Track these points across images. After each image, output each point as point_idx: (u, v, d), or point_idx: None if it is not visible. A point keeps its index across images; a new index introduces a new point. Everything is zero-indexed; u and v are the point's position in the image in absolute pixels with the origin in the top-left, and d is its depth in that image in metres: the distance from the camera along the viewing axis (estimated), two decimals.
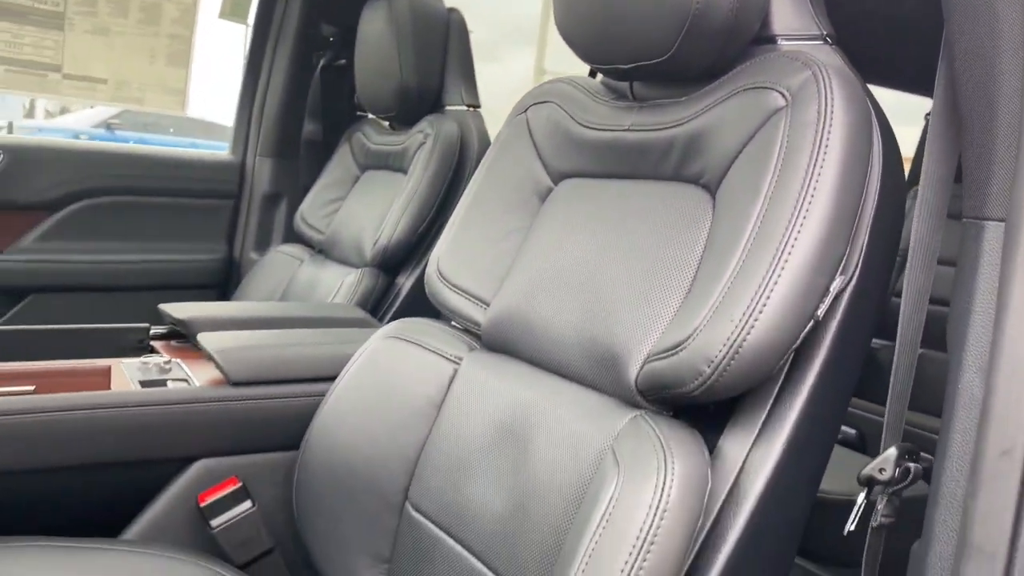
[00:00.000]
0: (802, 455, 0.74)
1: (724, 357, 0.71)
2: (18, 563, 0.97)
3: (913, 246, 0.74)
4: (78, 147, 2.14)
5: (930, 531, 0.65)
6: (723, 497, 0.72)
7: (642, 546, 0.65)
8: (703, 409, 0.80)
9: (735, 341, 0.71)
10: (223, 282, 2.25)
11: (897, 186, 0.81)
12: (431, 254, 1.18)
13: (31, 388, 1.16)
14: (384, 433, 1.08)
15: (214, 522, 1.12)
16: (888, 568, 0.78)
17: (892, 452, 0.71)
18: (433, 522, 1.00)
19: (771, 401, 0.74)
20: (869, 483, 0.72)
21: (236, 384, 1.17)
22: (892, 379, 0.73)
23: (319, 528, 1.11)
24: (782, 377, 0.75)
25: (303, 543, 1.13)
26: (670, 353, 0.77)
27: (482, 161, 1.19)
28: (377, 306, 1.74)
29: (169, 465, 1.14)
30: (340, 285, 1.74)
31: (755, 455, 0.73)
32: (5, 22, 1.99)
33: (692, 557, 0.70)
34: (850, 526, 0.74)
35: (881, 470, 0.71)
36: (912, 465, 0.72)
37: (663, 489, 0.67)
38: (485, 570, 0.91)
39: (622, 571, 0.65)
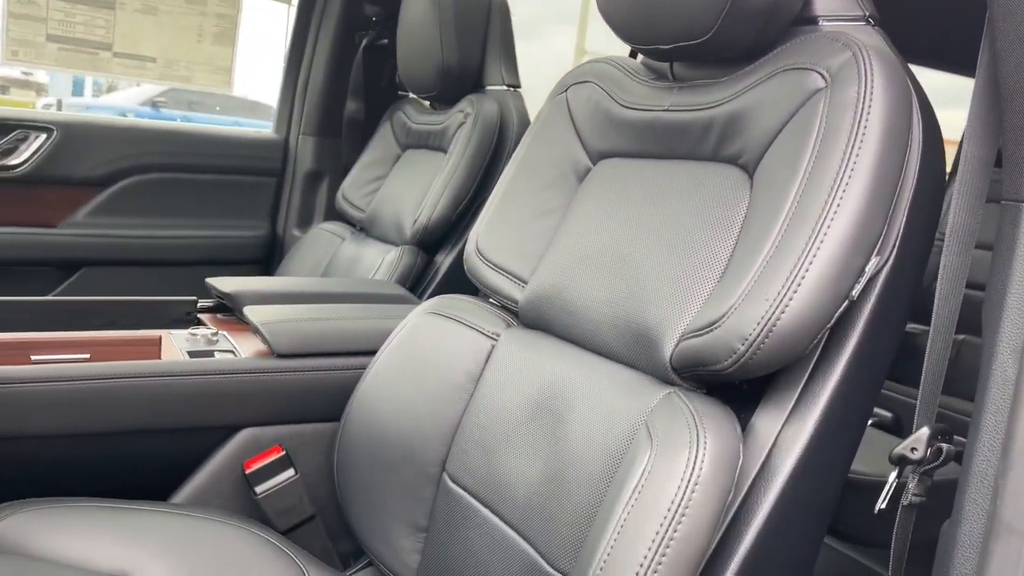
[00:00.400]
0: (834, 434, 0.75)
1: (758, 335, 0.72)
2: (74, 522, 1.02)
3: (951, 228, 0.74)
4: (128, 124, 2.20)
5: (960, 510, 0.65)
6: (754, 473, 0.73)
7: (673, 517, 0.67)
8: (736, 387, 0.81)
9: (769, 320, 0.72)
10: (266, 258, 2.30)
11: (936, 168, 0.81)
12: (470, 232, 1.20)
13: (86, 356, 1.21)
14: (423, 406, 1.11)
15: (258, 488, 1.16)
16: (918, 550, 0.79)
17: (924, 432, 0.72)
18: (469, 493, 1.03)
19: (804, 380, 0.75)
20: (900, 462, 0.73)
21: (280, 356, 1.20)
22: (926, 359, 0.74)
23: (359, 497, 1.15)
24: (816, 356, 0.76)
25: (343, 511, 1.17)
26: (705, 331, 0.78)
27: (522, 140, 1.21)
28: (416, 283, 1.77)
29: (216, 433, 1.18)
30: (381, 262, 1.77)
31: (787, 432, 0.74)
32: (59, 1, 2.04)
33: (722, 531, 0.71)
34: (880, 504, 0.75)
35: (913, 449, 0.72)
36: (944, 446, 0.72)
37: (695, 463, 0.69)
38: (519, 540, 0.93)
39: (652, 541, 0.67)
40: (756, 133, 0.87)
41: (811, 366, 0.75)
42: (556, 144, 1.15)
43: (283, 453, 1.18)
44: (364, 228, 2.01)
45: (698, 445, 0.69)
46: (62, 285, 2.04)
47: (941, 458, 0.72)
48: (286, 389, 1.20)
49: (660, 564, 0.66)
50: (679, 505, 0.67)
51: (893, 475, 0.75)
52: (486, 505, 1.00)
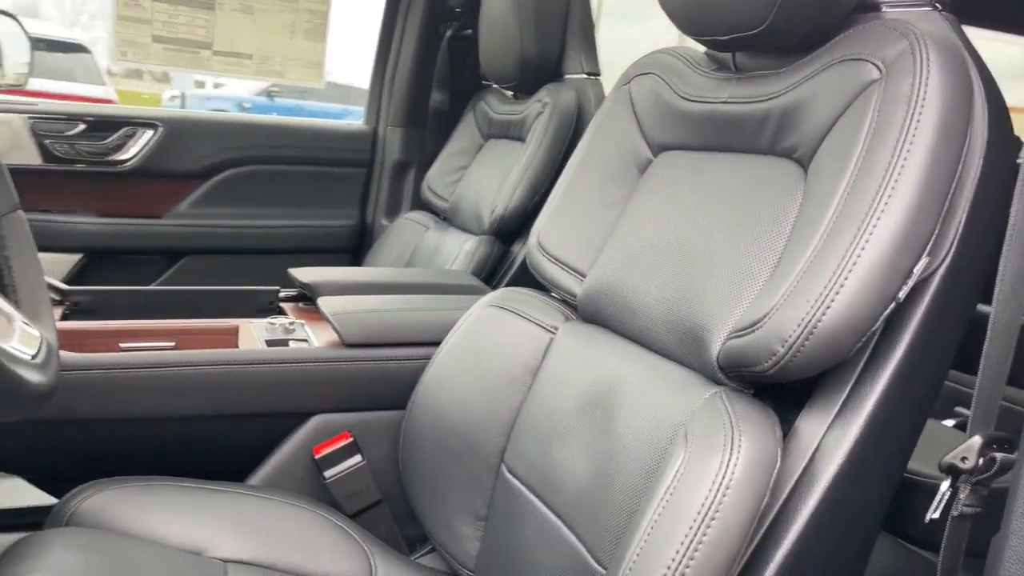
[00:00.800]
0: (881, 439, 0.72)
1: (798, 338, 0.70)
2: (154, 501, 1.09)
3: (1012, 225, 0.70)
4: (227, 120, 2.30)
5: (1007, 524, 0.62)
6: (796, 477, 0.71)
7: (703, 521, 0.66)
8: (785, 388, 0.79)
9: (810, 321, 0.70)
10: (356, 247, 2.37)
11: (1004, 161, 0.76)
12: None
13: (172, 344, 1.29)
14: (483, 397, 1.13)
15: (327, 473, 1.21)
16: (978, 560, 0.75)
17: (976, 440, 0.68)
18: (525, 485, 1.04)
19: (852, 383, 0.73)
20: (951, 471, 0.70)
21: (349, 345, 1.24)
22: (982, 365, 0.70)
23: (422, 485, 1.18)
24: (865, 359, 0.73)
25: (408, 497, 1.20)
26: (747, 331, 0.76)
27: (585, 132, 1.20)
28: (492, 273, 1.79)
29: (289, 419, 1.24)
30: (459, 252, 1.80)
31: (831, 436, 0.72)
32: (163, 3, 2.16)
33: (761, 535, 0.70)
34: (932, 514, 0.72)
35: (963, 459, 0.68)
36: (999, 455, 0.69)
37: (727, 466, 0.68)
38: (568, 532, 0.94)
39: (681, 543, 0.66)
40: (811, 126, 0.85)
41: (859, 369, 0.73)
42: (618, 136, 1.14)
43: (351, 440, 1.22)
44: (447, 217, 2.04)
45: (732, 448, 0.68)
46: (167, 272, 2.17)
47: (994, 468, 0.69)
48: (355, 377, 1.24)
49: (688, 568, 0.65)
50: (710, 508, 0.66)
51: (945, 484, 0.72)
52: (539, 497, 1.01)
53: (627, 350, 0.98)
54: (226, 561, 1.04)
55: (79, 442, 1.17)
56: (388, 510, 1.26)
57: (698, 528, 0.66)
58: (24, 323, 0.75)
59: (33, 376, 0.70)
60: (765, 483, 0.68)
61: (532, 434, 1.05)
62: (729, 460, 0.68)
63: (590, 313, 1.08)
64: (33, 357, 0.72)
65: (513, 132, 1.93)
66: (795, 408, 0.77)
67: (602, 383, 0.96)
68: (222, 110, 8.90)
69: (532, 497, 1.02)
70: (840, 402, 0.72)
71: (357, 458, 1.22)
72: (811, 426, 0.74)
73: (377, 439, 1.26)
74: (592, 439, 0.94)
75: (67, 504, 1.06)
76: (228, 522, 1.10)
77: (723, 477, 0.67)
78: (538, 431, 1.04)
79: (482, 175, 1.96)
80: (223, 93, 10.44)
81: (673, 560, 0.66)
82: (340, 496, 1.22)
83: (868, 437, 0.71)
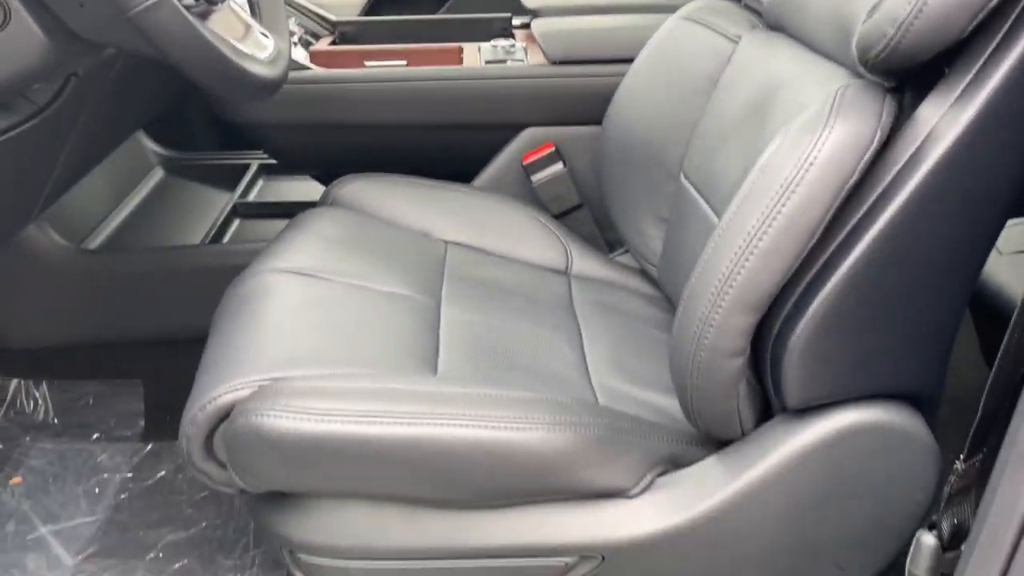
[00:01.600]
0: (998, 126, 0.70)
1: (907, 16, 0.70)
2: (395, 192, 1.33)
3: None
4: None
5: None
6: (903, 161, 0.73)
7: (783, 193, 0.73)
8: (925, 83, 0.79)
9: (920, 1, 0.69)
10: None
11: None
12: None
13: (403, 62, 1.48)
14: (669, 108, 1.20)
15: (534, 178, 1.38)
16: None
17: None
18: (695, 188, 1.13)
19: (976, 69, 0.71)
20: None
21: (554, 63, 1.36)
22: None
23: (616, 191, 1.31)
24: (992, 46, 0.70)
25: (606, 203, 1.34)
26: (869, 16, 0.76)
27: None
28: None
29: (504, 130, 1.40)
30: None
31: (945, 120, 0.71)
32: None
33: (861, 214, 0.75)
34: None
35: None
36: None
37: (815, 145, 0.72)
38: None
39: (763, 211, 0.74)
40: None
41: (985, 56, 0.71)
42: None
43: (553, 149, 1.37)
44: None
45: (824, 129, 0.72)
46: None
47: None
48: (559, 93, 1.36)
49: (766, 233, 0.73)
50: (791, 183, 0.72)
51: None
52: (704, 199, 1.10)
53: (796, 55, 1.00)
54: (447, 242, 1.28)
55: (340, 144, 1.44)
56: (589, 214, 1.42)
57: (779, 198, 0.73)
58: (261, 32, 0.95)
59: (260, 70, 0.91)
60: (852, 163, 0.72)
61: (705, 141, 1.12)
62: (818, 140, 0.72)
63: (773, 18, 1.08)
64: (264, 58, 0.93)
65: None
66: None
67: (764, 89, 1.00)
68: None
69: (700, 200, 1.11)
70: (961, 87, 0.71)
71: (559, 166, 1.38)
72: (929, 111, 0.74)
73: (579, 151, 1.39)
74: (748, 143, 0.99)
75: (331, 191, 1.33)
76: (451, 212, 1.32)
77: (809, 154, 0.72)
78: (708, 139, 1.11)
79: None
80: None
81: (753, 227, 0.74)
82: (546, 198, 1.39)
83: (982, 120, 0.69)
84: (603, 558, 0.85)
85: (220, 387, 0.87)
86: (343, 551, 0.85)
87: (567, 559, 0.85)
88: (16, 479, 1.41)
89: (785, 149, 0.75)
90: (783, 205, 0.73)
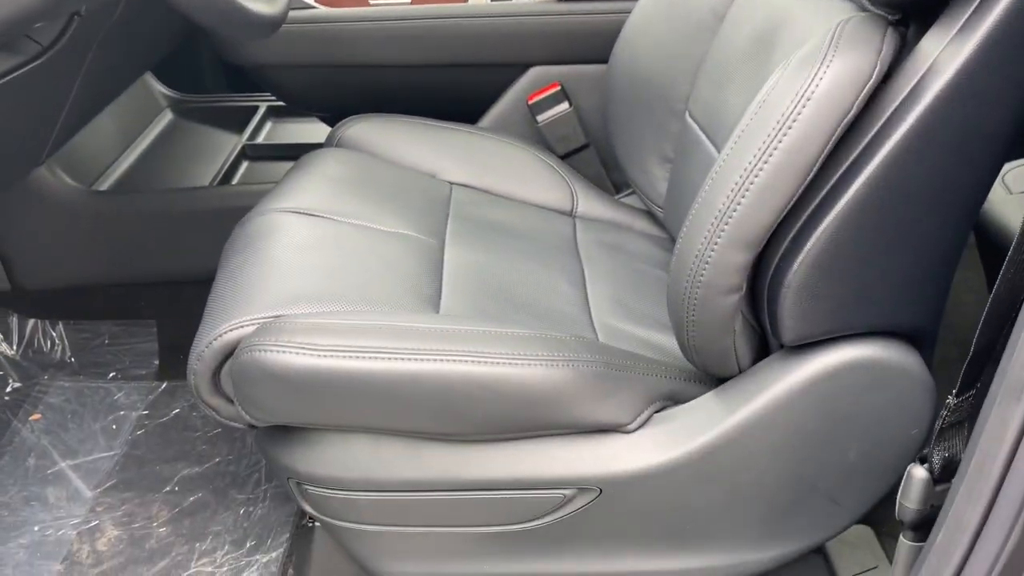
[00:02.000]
0: (999, 59, 0.69)
1: None
2: (400, 133, 1.33)
3: None
4: None
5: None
6: (904, 94, 0.72)
7: (780, 128, 0.72)
8: (928, 15, 0.77)
9: None
10: None
11: None
12: None
13: (407, 0, 1.46)
14: (675, 45, 1.18)
15: (539, 118, 1.37)
16: None
17: None
18: (699, 126, 1.12)
19: (977, 1, 0.70)
20: None
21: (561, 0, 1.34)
22: None
23: (622, 130, 1.30)
24: None
25: (612, 143, 1.34)
26: None
27: None
28: None
29: (510, 69, 1.39)
30: None
31: (946, 52, 0.70)
32: None
33: (862, 147, 0.74)
34: None
35: None
36: None
37: (812, 80, 0.72)
38: None
39: (760, 146, 0.74)
40: None
41: None
42: None
43: (559, 88, 1.36)
44: None
45: (822, 63, 0.72)
46: None
47: None
48: (565, 31, 1.34)
49: (762, 169, 0.73)
50: (787, 118, 0.72)
51: None
52: (708, 137, 1.09)
53: None
54: (452, 183, 1.28)
55: (345, 84, 1.44)
56: (595, 155, 1.41)
57: (775, 133, 0.72)
58: None
59: (260, 8, 0.91)
60: (851, 98, 0.71)
61: (710, 78, 1.11)
62: (815, 74, 0.72)
63: None
64: None
65: None
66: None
67: (769, 23, 0.98)
68: None
69: (704, 138, 1.10)
70: (963, 20, 0.70)
71: (565, 105, 1.36)
72: (930, 44, 0.72)
73: (586, 90, 1.38)
74: (752, 79, 0.98)
75: (336, 131, 1.34)
76: (457, 153, 1.32)
77: (806, 89, 0.71)
78: (714, 75, 1.10)
79: None
80: None
81: (749, 163, 0.74)
82: (551, 139, 1.38)
83: (983, 54, 0.68)
84: (600, 491, 0.87)
85: (225, 324, 0.89)
86: (347, 483, 0.88)
87: (565, 491, 0.87)
88: (35, 415, 1.45)
89: (783, 83, 0.75)
90: (779, 141, 0.73)
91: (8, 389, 1.50)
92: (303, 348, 0.82)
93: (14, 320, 1.55)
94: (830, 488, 0.90)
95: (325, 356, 0.81)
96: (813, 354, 0.83)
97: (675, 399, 0.91)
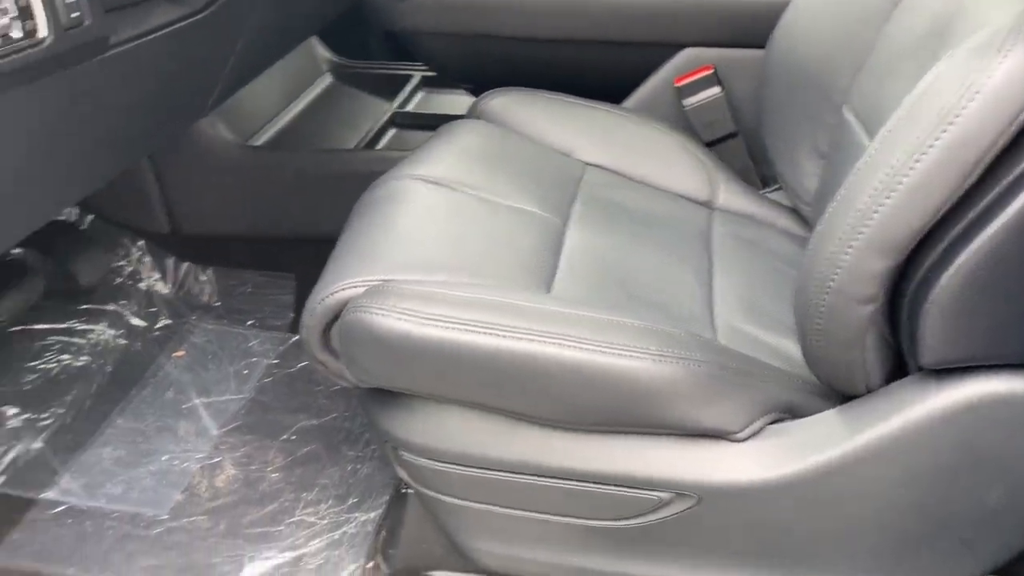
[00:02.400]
0: None
1: None
2: (541, 108, 1.30)
3: None
4: None
5: None
6: None
7: (939, 122, 0.64)
8: None
9: None
10: None
11: None
12: None
13: None
14: (843, 30, 1.09)
15: (686, 102, 1.31)
16: None
17: None
18: (858, 119, 1.03)
19: None
20: None
21: None
22: None
23: (774, 119, 1.22)
24: None
25: (762, 132, 1.25)
26: None
27: None
28: None
29: (661, 49, 1.33)
30: None
31: None
32: None
33: None
34: None
35: None
36: None
37: (984, 71, 0.62)
38: None
39: (914, 142, 0.65)
40: None
41: None
42: None
43: (711, 71, 1.28)
44: None
45: (999, 53, 0.62)
46: None
47: None
48: (723, 13, 1.27)
49: (913, 168, 0.65)
50: (950, 111, 0.63)
51: None
52: (868, 134, 1.00)
53: None
54: (587, 163, 1.24)
55: (491, 56, 1.43)
56: (743, 144, 1.33)
57: (933, 129, 0.64)
58: None
59: None
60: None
61: (873, 70, 1.01)
62: (989, 65, 0.62)
63: None
64: None
65: None
66: None
67: (949, 7, 0.88)
68: None
69: (861, 132, 1.01)
70: None
71: (716, 90, 1.29)
72: None
73: (740, 75, 1.30)
74: (921, 70, 0.88)
75: (478, 104, 1.33)
76: (595, 133, 1.28)
77: (975, 81, 0.62)
78: (879, 66, 1.00)
79: None
80: None
81: (899, 159, 0.66)
82: (698, 124, 1.32)
83: None
84: (699, 499, 0.82)
85: (339, 283, 0.90)
86: (439, 454, 0.87)
87: (661, 494, 0.83)
88: (179, 352, 1.54)
89: (949, 74, 0.66)
90: (938, 137, 0.64)
91: (159, 325, 1.60)
92: (406, 314, 0.81)
93: (171, 262, 1.66)
94: (963, 530, 0.81)
95: (426, 324, 0.80)
96: (957, 381, 0.74)
97: (793, 412, 0.84)
